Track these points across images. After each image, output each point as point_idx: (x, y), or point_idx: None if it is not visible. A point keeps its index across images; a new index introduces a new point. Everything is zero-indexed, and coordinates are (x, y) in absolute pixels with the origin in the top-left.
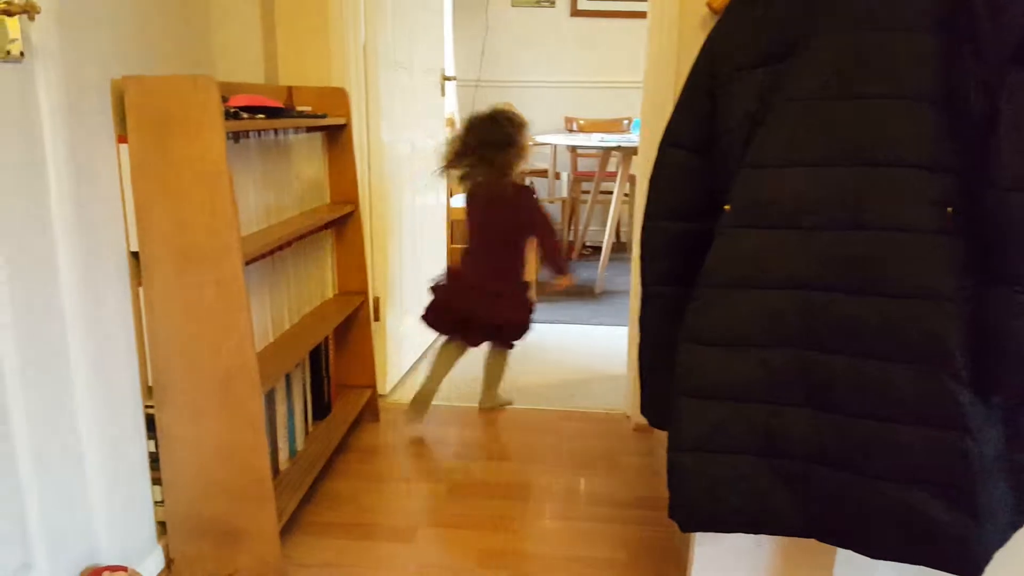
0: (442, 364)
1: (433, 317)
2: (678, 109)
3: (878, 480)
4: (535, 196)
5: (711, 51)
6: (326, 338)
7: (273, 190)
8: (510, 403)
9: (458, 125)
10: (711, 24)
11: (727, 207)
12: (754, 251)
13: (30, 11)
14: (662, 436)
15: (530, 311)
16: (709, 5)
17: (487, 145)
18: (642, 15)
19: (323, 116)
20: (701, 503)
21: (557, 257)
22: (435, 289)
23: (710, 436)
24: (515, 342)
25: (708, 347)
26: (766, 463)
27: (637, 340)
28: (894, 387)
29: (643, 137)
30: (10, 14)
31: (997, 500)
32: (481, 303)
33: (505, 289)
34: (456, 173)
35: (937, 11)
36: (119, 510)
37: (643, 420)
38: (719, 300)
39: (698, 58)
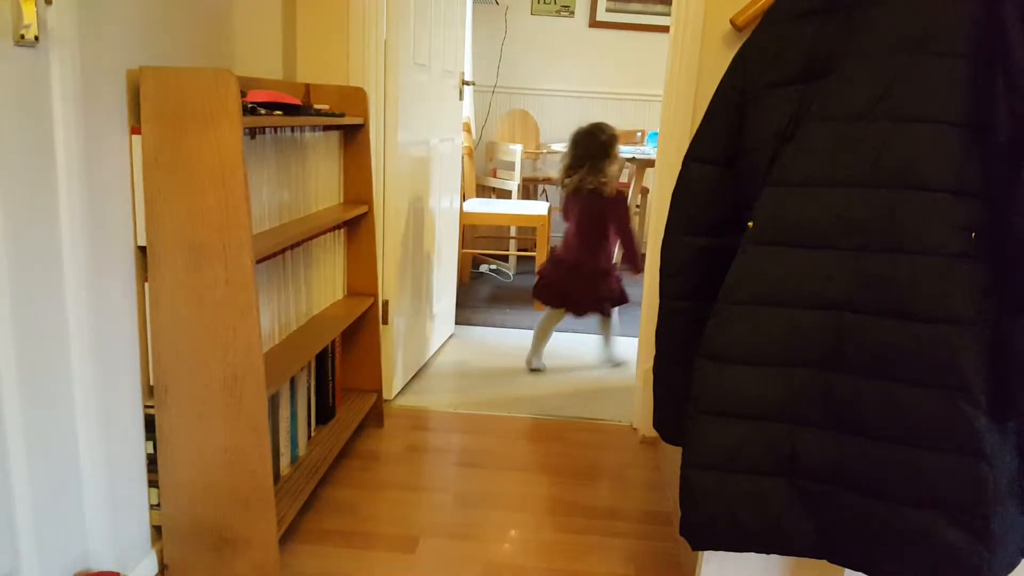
0: (544, 330)
1: (542, 293)
2: (704, 123)
3: (896, 504)
4: (626, 205)
5: (743, 66)
6: (333, 340)
7: (287, 188)
8: (619, 364)
9: (474, 130)
10: (734, 41)
11: (751, 224)
12: (778, 269)
13: None
14: (669, 450)
15: (621, 281)
16: (732, 22)
17: (590, 155)
18: (660, 28)
19: (341, 115)
20: (715, 522)
21: (636, 257)
22: (542, 271)
23: (729, 454)
24: (615, 308)
25: (728, 364)
26: (785, 483)
27: (646, 351)
28: (914, 410)
29: (661, 150)
30: None
31: (1008, 526)
32: (585, 282)
33: (605, 268)
34: (567, 180)
35: (972, 38)
36: (113, 513)
37: (651, 432)
38: (740, 317)
39: (727, 73)
